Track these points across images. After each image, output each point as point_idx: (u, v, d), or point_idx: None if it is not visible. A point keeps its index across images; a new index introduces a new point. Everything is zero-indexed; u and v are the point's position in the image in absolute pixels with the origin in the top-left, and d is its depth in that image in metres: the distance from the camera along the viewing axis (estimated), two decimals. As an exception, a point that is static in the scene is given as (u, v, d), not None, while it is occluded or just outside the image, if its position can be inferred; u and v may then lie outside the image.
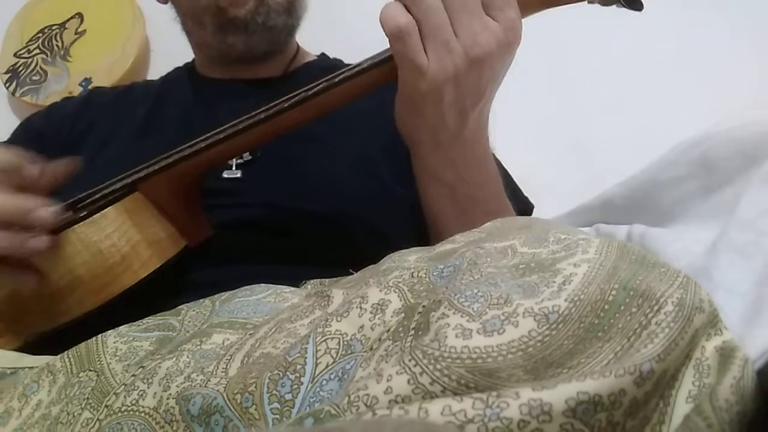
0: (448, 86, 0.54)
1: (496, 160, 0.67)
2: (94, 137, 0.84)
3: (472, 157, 0.61)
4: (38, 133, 0.88)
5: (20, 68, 1.55)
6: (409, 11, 0.53)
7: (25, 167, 0.57)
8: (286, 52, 0.91)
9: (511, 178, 0.81)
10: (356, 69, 0.59)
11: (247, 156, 0.76)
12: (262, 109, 0.60)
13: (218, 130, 0.61)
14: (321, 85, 0.59)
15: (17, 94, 1.52)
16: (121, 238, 0.59)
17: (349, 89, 0.59)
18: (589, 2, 0.59)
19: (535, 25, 0.60)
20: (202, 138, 0.62)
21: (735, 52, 1.30)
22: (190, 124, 0.79)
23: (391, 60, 0.56)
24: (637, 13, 0.58)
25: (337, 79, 0.58)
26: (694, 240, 0.64)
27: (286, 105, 0.59)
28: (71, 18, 1.59)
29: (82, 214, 0.59)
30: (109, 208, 0.60)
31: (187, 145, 0.62)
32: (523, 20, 0.56)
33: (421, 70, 0.54)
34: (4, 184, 0.56)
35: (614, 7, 0.58)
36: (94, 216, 0.59)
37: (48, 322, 0.58)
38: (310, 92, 0.59)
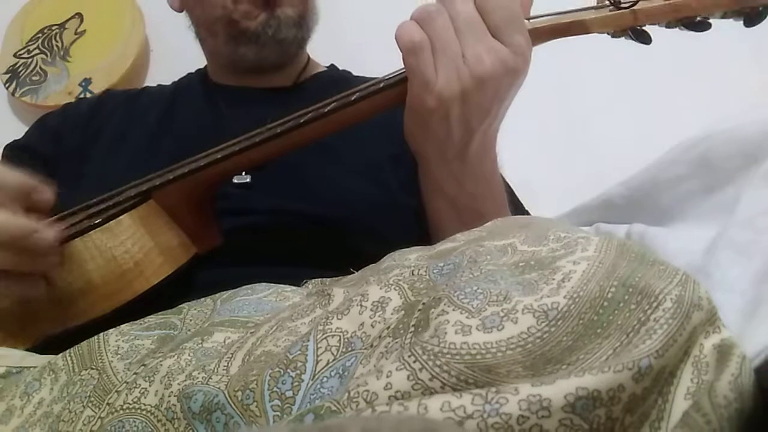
0: (455, 103, 0.55)
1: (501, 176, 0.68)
2: (106, 139, 0.85)
3: (478, 173, 0.62)
4: (54, 132, 0.89)
5: (20, 68, 1.56)
6: (422, 29, 0.56)
7: (38, 190, 0.57)
8: (297, 63, 0.93)
9: (514, 194, 0.82)
10: (372, 89, 0.60)
11: None
12: (278, 123, 0.61)
13: (234, 142, 0.62)
14: (336, 104, 0.60)
15: (17, 95, 1.52)
16: (134, 245, 0.59)
17: (364, 108, 0.60)
18: (598, 34, 0.60)
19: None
20: (217, 149, 0.63)
21: (735, 52, 1.30)
22: (201, 131, 0.80)
23: (406, 81, 0.57)
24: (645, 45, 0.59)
25: (352, 98, 0.60)
26: (693, 239, 0.64)
27: (301, 121, 0.60)
28: (71, 18, 1.59)
29: (97, 221, 0.59)
30: (124, 215, 0.60)
31: (203, 155, 0.63)
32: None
33: (429, 86, 0.55)
34: (7, 205, 0.55)
35: (623, 39, 0.60)
36: (110, 223, 0.60)
37: (59, 325, 0.58)
38: (325, 110, 0.60)
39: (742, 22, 0.57)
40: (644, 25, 0.58)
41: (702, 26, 0.57)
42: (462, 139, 0.58)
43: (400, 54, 0.57)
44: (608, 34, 0.60)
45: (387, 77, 0.60)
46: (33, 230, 0.54)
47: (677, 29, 0.58)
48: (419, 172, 0.65)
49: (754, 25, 0.56)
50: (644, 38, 0.59)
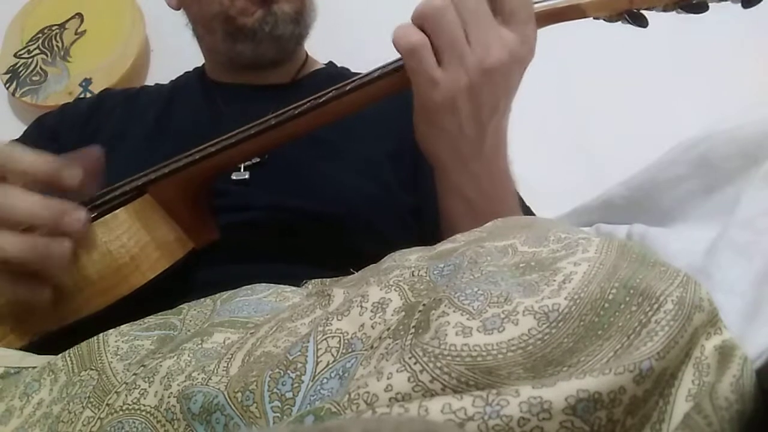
0: (462, 97, 0.55)
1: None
2: (104, 138, 0.85)
3: (495, 170, 0.61)
4: (52, 131, 0.89)
5: (20, 68, 1.55)
6: (421, 29, 0.55)
7: (67, 173, 0.56)
8: (295, 59, 0.93)
9: (518, 193, 0.82)
10: (366, 78, 0.60)
11: (255, 158, 0.77)
12: (273, 115, 0.61)
13: (228, 135, 0.62)
14: (331, 94, 0.60)
15: (17, 95, 1.52)
16: (130, 240, 0.59)
17: (359, 98, 0.60)
18: (594, 18, 0.59)
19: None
20: (212, 143, 0.62)
21: (735, 51, 1.30)
22: (199, 128, 0.80)
23: (400, 70, 0.57)
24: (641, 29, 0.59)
25: (347, 88, 0.59)
26: (694, 239, 0.64)
27: (296, 112, 0.60)
28: (71, 18, 1.59)
29: (92, 216, 0.59)
30: (120, 209, 0.60)
31: (198, 149, 0.63)
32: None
33: (435, 83, 0.55)
34: (34, 186, 0.55)
35: (619, 23, 0.59)
36: (105, 217, 0.59)
37: (55, 322, 0.58)
38: (320, 100, 0.60)
39: (740, 5, 0.56)
40: (640, 9, 0.58)
41: (699, 8, 0.57)
42: (475, 134, 0.58)
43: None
44: (604, 19, 0.59)
45: (382, 66, 0.60)
46: (64, 211, 0.54)
47: (674, 13, 0.58)
48: (436, 178, 0.64)
49: (752, 6, 0.56)
50: (641, 21, 0.58)
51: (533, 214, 0.82)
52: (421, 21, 0.55)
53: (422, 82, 0.55)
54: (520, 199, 0.80)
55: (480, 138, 0.58)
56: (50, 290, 0.56)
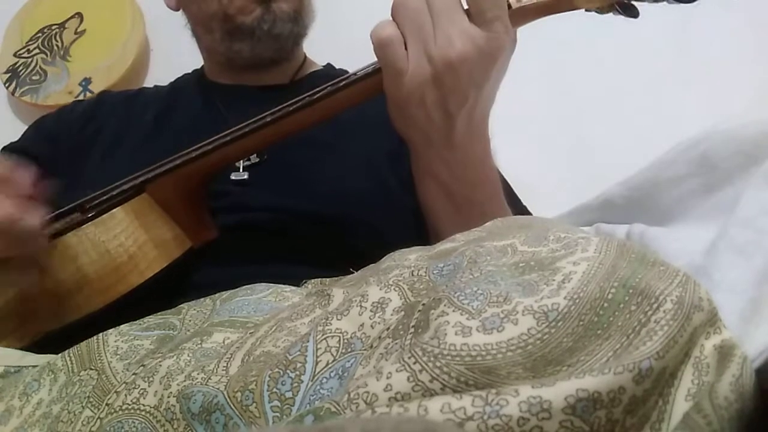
0: (428, 87, 0.56)
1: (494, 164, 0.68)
2: (102, 140, 0.85)
3: (469, 159, 0.61)
4: (50, 134, 0.89)
5: (20, 68, 1.55)
6: (395, 20, 0.56)
7: (15, 173, 0.56)
8: (293, 60, 0.93)
9: (510, 189, 0.82)
10: (359, 74, 0.60)
11: (254, 158, 0.77)
12: (268, 112, 0.62)
13: (224, 132, 0.62)
14: (325, 90, 0.60)
15: (17, 94, 1.52)
16: (128, 239, 0.59)
17: (352, 94, 0.61)
18: (586, 10, 0.59)
19: (535, 24, 0.61)
20: (208, 141, 0.63)
21: (735, 52, 1.30)
22: (198, 128, 0.80)
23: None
24: (633, 19, 0.58)
25: (340, 84, 0.60)
26: (693, 239, 0.64)
27: (290, 108, 0.60)
28: (71, 18, 1.59)
29: (90, 215, 0.60)
30: (117, 208, 0.60)
31: (195, 147, 0.63)
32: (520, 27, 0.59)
33: (401, 74, 0.56)
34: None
35: (611, 14, 0.59)
36: (103, 216, 0.60)
37: (56, 321, 0.59)
38: (314, 96, 0.60)
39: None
40: None
41: None
42: (443, 123, 0.58)
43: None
44: (596, 11, 0.59)
45: (374, 63, 0.60)
46: (17, 218, 0.54)
47: (665, 3, 0.57)
48: (411, 159, 0.65)
49: None
50: (631, 12, 0.58)
51: (523, 206, 0.82)
52: (393, 13, 0.57)
53: (389, 74, 0.57)
54: (511, 192, 0.80)
55: (449, 127, 0.58)
56: (36, 271, 0.57)
